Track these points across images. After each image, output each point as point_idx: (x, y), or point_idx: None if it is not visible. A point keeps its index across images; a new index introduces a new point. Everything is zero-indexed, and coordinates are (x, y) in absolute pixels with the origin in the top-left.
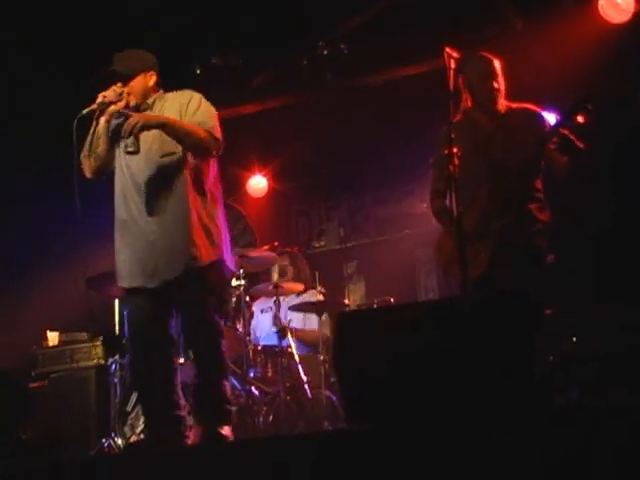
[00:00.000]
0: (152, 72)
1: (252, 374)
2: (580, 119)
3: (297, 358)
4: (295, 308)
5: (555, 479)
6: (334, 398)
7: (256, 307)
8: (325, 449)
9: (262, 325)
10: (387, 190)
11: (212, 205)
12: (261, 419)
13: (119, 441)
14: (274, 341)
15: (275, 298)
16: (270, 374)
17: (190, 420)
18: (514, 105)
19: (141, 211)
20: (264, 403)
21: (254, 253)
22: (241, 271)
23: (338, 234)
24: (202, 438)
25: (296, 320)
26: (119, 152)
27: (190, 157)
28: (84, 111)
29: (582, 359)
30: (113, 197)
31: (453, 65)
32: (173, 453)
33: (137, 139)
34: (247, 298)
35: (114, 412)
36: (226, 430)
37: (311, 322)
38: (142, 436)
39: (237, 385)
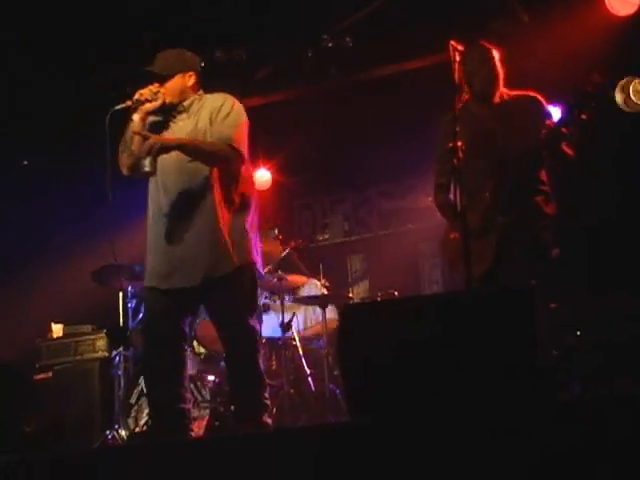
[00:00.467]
0: (192, 72)
1: None
2: (584, 116)
3: (301, 351)
4: (299, 301)
5: (559, 473)
6: (337, 391)
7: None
8: (328, 442)
9: (265, 318)
10: (391, 184)
11: (241, 208)
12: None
13: (123, 433)
14: (278, 334)
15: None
16: (274, 367)
17: (195, 412)
18: (513, 93)
19: (168, 214)
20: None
21: None
22: None
23: (342, 227)
24: (248, 429)
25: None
26: None
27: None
28: (117, 107)
29: (586, 352)
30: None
31: (458, 58)
32: (176, 445)
33: (155, 160)
34: None
35: (118, 404)
36: (266, 417)
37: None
38: (145, 427)
39: None
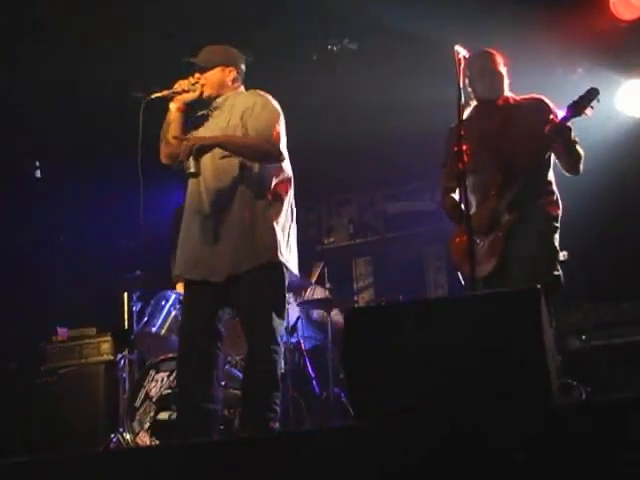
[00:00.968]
0: (232, 68)
1: None
2: (588, 112)
3: (305, 354)
4: (304, 304)
5: (564, 477)
6: (342, 394)
7: None
8: (333, 445)
9: None
10: (397, 187)
11: (274, 206)
12: None
13: (127, 436)
14: (282, 337)
15: None
16: None
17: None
18: (519, 97)
19: (203, 208)
20: None
21: None
22: None
23: (347, 230)
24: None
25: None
26: None
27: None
28: (153, 95)
29: (591, 355)
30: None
31: (463, 63)
32: (179, 449)
33: (197, 161)
34: None
35: (122, 407)
36: (274, 423)
37: None
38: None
39: None
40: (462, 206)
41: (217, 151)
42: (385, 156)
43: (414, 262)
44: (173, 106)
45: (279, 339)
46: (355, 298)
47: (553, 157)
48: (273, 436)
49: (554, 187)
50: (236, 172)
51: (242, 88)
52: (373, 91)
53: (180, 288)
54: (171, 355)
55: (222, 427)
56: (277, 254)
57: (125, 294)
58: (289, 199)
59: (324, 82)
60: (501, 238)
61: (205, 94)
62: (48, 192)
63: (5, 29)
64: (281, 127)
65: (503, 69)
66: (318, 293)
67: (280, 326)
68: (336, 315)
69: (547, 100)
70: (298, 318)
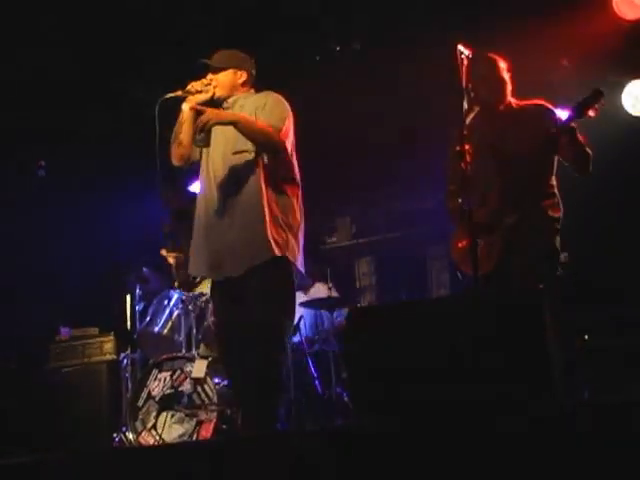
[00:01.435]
0: (243, 71)
1: None
2: (592, 113)
3: (308, 354)
4: (306, 304)
5: (568, 477)
6: (345, 394)
7: None
8: (335, 445)
9: None
10: (399, 186)
11: (286, 202)
12: None
13: (130, 436)
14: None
15: None
16: None
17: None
18: (522, 102)
19: (215, 205)
20: None
21: None
22: None
23: (350, 230)
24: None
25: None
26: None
27: (263, 155)
28: (167, 95)
29: (595, 356)
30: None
31: (465, 62)
32: (183, 447)
33: (208, 134)
34: None
35: (125, 407)
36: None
37: None
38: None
39: None
40: (464, 205)
41: (229, 147)
42: (387, 155)
43: (416, 262)
44: (186, 106)
45: (286, 338)
46: (357, 298)
47: (556, 161)
48: (275, 435)
49: (555, 190)
50: (248, 169)
51: (252, 91)
52: (375, 90)
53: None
54: (173, 355)
55: (225, 426)
56: (289, 252)
57: (128, 294)
58: (298, 199)
59: (327, 81)
60: (502, 239)
61: (217, 95)
62: (51, 191)
63: None
64: (290, 125)
65: (506, 75)
66: (320, 292)
67: (288, 324)
68: (339, 315)
69: (549, 106)
70: (300, 317)
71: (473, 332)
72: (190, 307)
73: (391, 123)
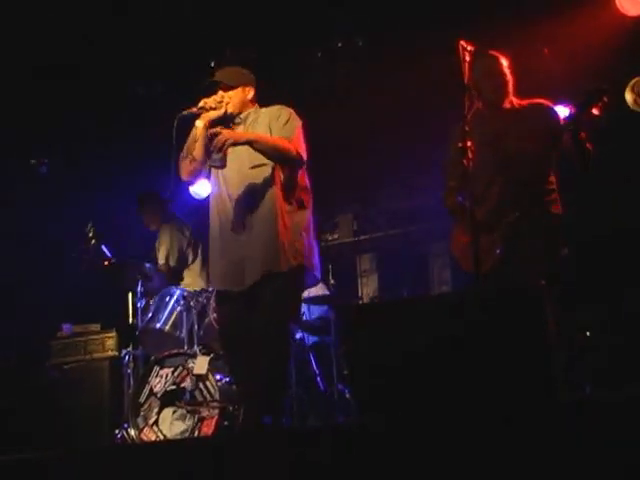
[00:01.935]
0: (250, 87)
1: None
2: (595, 111)
3: (310, 351)
4: (308, 301)
5: (569, 474)
6: (346, 391)
7: None
8: (337, 442)
9: None
10: (401, 183)
11: (299, 213)
12: None
13: (132, 432)
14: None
15: None
16: None
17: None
18: (525, 101)
19: (231, 219)
20: None
21: None
22: None
23: (351, 227)
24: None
25: None
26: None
27: (278, 168)
28: (184, 112)
29: (596, 353)
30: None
31: (468, 58)
32: (185, 443)
33: (225, 155)
34: None
35: (127, 403)
36: (267, 419)
37: None
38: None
39: None
40: (465, 202)
41: (246, 161)
42: (389, 152)
43: (418, 258)
44: (200, 123)
45: (290, 342)
46: (359, 294)
47: (558, 158)
48: (277, 432)
49: (555, 187)
50: (265, 182)
51: (257, 106)
52: (377, 87)
53: None
54: (175, 351)
55: (226, 423)
56: (304, 259)
57: (129, 290)
58: (310, 207)
59: (328, 78)
60: (502, 235)
61: (229, 112)
62: (52, 188)
63: None
64: (302, 136)
65: (508, 72)
66: (322, 289)
67: (292, 330)
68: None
69: (551, 104)
70: (302, 314)
71: (474, 329)
72: (192, 303)
73: (393, 120)
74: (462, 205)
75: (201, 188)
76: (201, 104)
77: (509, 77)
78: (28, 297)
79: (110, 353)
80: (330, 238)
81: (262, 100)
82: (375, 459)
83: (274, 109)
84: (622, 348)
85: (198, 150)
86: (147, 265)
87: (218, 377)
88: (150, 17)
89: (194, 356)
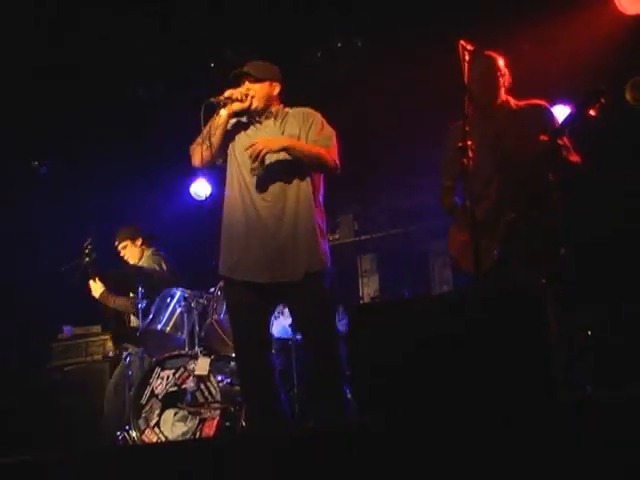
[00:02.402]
0: (277, 83)
1: None
2: (592, 112)
3: None
4: None
5: (570, 474)
6: (348, 391)
7: None
8: (338, 443)
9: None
10: (401, 183)
11: (322, 216)
12: None
13: (133, 434)
14: (287, 334)
15: None
16: (283, 367)
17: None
18: (522, 102)
19: (264, 214)
20: None
21: None
22: None
23: (352, 227)
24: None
25: None
26: (234, 153)
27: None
28: (211, 99)
29: (596, 353)
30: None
31: (467, 58)
32: (186, 445)
33: (262, 162)
34: None
35: (128, 405)
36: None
37: None
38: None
39: None
40: (465, 202)
41: (276, 159)
42: (389, 151)
43: (419, 258)
44: (224, 112)
45: (338, 336)
46: (360, 294)
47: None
48: (278, 433)
49: (553, 187)
50: (296, 181)
51: (282, 105)
52: (377, 87)
53: None
54: (176, 352)
55: (228, 424)
56: (328, 259)
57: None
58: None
59: (327, 78)
60: (500, 235)
61: (254, 106)
62: (52, 189)
63: None
64: (336, 142)
65: (505, 72)
66: None
67: (338, 327)
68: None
69: (548, 105)
70: None
71: (475, 328)
72: (193, 305)
73: (393, 119)
74: (459, 205)
75: (201, 189)
76: (227, 94)
77: (503, 78)
78: (28, 298)
79: (111, 354)
80: (331, 238)
81: None
82: (376, 459)
83: (304, 112)
84: (622, 348)
85: (217, 138)
86: (146, 267)
87: (219, 378)
88: (150, 18)
89: (195, 357)
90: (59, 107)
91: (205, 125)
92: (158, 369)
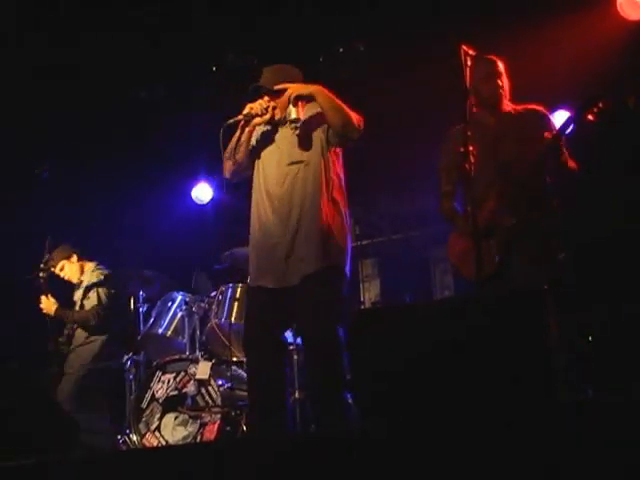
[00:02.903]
0: None
1: None
2: (590, 117)
3: None
4: None
5: (568, 473)
6: (349, 396)
7: None
8: (340, 448)
9: None
10: (402, 188)
11: (337, 209)
12: None
13: (134, 438)
14: (289, 338)
15: None
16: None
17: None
18: (520, 107)
19: (273, 216)
20: None
21: None
22: None
23: (353, 232)
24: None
25: None
26: (257, 161)
27: (319, 165)
28: (230, 121)
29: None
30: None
31: (469, 63)
32: (187, 449)
33: (297, 108)
34: None
35: (129, 409)
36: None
37: None
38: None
39: None
40: (466, 207)
41: (284, 159)
42: (391, 156)
43: (420, 263)
44: (247, 129)
45: (342, 339)
46: (361, 299)
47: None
48: (279, 437)
49: (552, 191)
50: (305, 177)
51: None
52: (378, 91)
53: None
54: (177, 356)
55: (229, 428)
56: (345, 258)
57: (131, 296)
58: (346, 201)
59: (330, 83)
60: (500, 241)
61: (277, 117)
62: (53, 192)
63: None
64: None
65: (505, 76)
66: None
67: (342, 327)
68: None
69: (545, 112)
70: None
71: (476, 333)
72: (194, 309)
73: (395, 124)
74: (459, 211)
75: (203, 193)
76: (246, 111)
77: (505, 82)
78: (28, 298)
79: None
80: None
81: None
82: (377, 465)
83: (319, 112)
84: (623, 350)
85: (241, 154)
86: (147, 272)
87: (220, 382)
88: (151, 18)
89: (196, 361)
90: (59, 107)
91: (225, 146)
92: (159, 373)
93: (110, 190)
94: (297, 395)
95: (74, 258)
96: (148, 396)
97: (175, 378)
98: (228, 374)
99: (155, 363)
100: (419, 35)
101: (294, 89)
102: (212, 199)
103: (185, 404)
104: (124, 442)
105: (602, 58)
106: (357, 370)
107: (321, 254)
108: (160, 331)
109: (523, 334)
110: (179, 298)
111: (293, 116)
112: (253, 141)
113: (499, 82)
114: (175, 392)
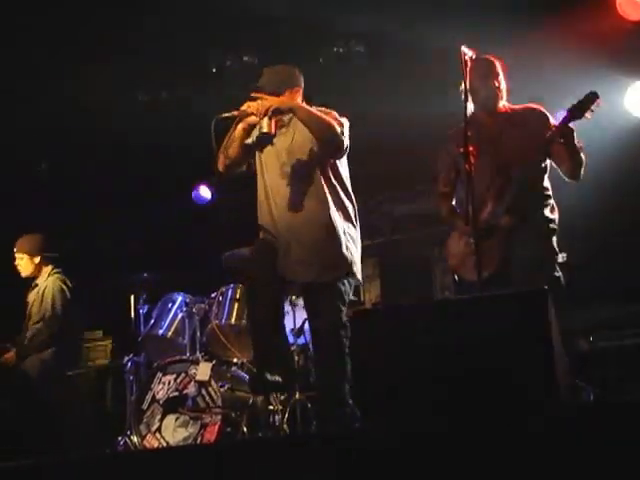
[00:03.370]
0: (298, 88)
1: None
2: (588, 116)
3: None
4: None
5: (568, 473)
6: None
7: None
8: (340, 448)
9: None
10: (403, 189)
11: (346, 212)
12: (276, 418)
13: (134, 439)
14: (290, 340)
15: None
16: None
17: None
18: (519, 106)
19: (279, 217)
20: (279, 402)
21: None
22: None
23: None
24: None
25: None
26: (260, 160)
27: (322, 166)
28: (223, 114)
29: (599, 357)
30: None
31: (469, 64)
32: (188, 450)
33: (270, 122)
34: None
35: (129, 410)
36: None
37: None
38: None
39: None
40: (467, 208)
41: (284, 164)
42: (392, 158)
43: (421, 264)
44: (241, 127)
45: (346, 340)
46: (361, 300)
47: (549, 164)
48: (279, 438)
49: (550, 192)
50: (309, 180)
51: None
52: (379, 93)
53: None
54: (177, 357)
55: (229, 429)
56: (354, 262)
57: (132, 297)
58: (354, 204)
59: (329, 84)
60: (500, 241)
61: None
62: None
63: None
64: (346, 129)
65: (503, 77)
66: None
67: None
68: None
69: (544, 110)
70: (305, 320)
71: (477, 333)
72: (194, 310)
73: (395, 124)
74: (466, 211)
75: (202, 192)
76: (243, 107)
77: (503, 82)
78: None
79: (113, 360)
80: None
81: None
82: (377, 464)
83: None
84: (625, 350)
85: (234, 151)
86: (145, 274)
87: (220, 383)
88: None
89: (196, 362)
90: (59, 108)
91: (216, 140)
92: (159, 374)
93: (109, 186)
94: (297, 395)
95: (37, 259)
96: (149, 397)
97: (176, 379)
98: (228, 375)
99: (156, 364)
100: (418, 34)
101: (273, 102)
102: (212, 199)
103: (186, 405)
104: (125, 443)
105: (602, 57)
106: (357, 370)
107: (324, 258)
108: (160, 332)
109: (524, 335)
110: (179, 299)
111: (265, 130)
112: (249, 141)
113: (496, 82)
114: (176, 393)
